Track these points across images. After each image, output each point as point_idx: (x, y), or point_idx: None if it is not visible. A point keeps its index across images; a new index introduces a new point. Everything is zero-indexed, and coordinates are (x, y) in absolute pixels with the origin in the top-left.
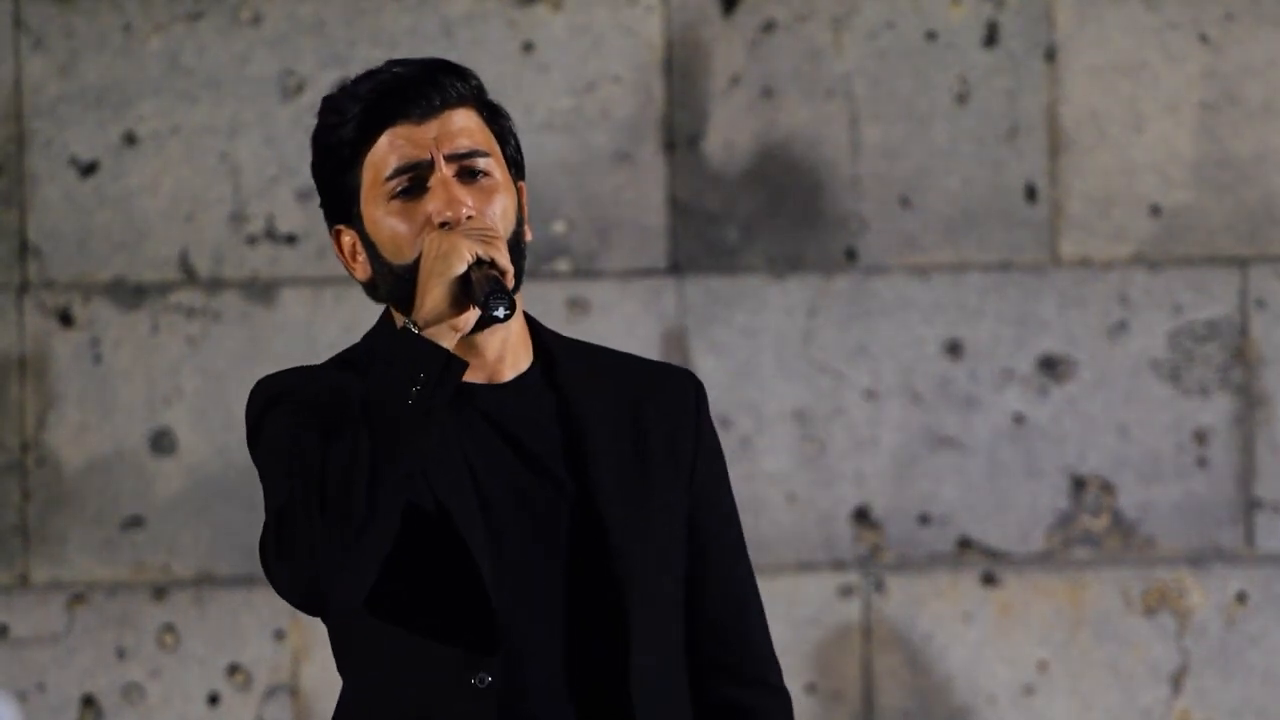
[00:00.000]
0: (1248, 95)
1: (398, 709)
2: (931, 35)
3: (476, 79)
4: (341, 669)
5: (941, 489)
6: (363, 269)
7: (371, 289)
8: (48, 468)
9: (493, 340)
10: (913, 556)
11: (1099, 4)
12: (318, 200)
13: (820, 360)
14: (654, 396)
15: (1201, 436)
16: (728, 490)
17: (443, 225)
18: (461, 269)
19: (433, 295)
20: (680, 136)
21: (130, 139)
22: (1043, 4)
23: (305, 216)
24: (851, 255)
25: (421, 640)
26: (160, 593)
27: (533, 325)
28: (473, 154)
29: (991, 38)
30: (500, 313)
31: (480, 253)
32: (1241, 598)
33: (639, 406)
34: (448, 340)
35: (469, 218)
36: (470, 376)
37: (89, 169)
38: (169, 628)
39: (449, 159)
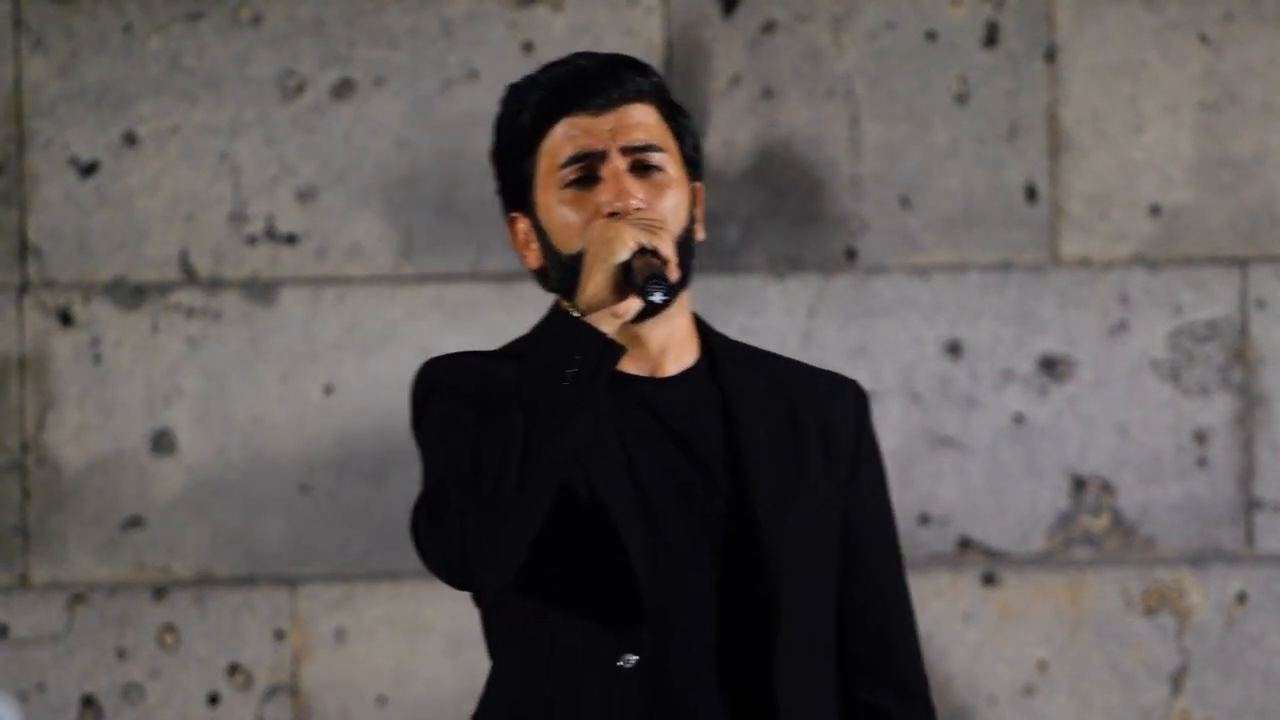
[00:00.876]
0: (1248, 95)
1: (544, 689)
2: (931, 35)
3: (659, 76)
4: (491, 649)
5: (941, 489)
6: (534, 257)
7: (542, 278)
8: (48, 468)
9: (656, 333)
10: (913, 556)
11: (1099, 4)
12: (318, 200)
13: (820, 360)
14: (816, 401)
15: (1201, 436)
16: (885, 499)
17: (611, 216)
18: (625, 256)
19: (595, 280)
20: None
21: (130, 139)
22: (1043, 4)
23: (305, 216)
24: (851, 255)
25: (569, 621)
26: (160, 593)
27: (700, 324)
28: (647, 148)
29: (991, 38)
30: (657, 298)
31: (644, 241)
32: (1241, 598)
33: (800, 409)
34: (608, 326)
35: (637, 210)
36: (633, 368)
37: (89, 169)
38: (169, 628)
39: (623, 151)
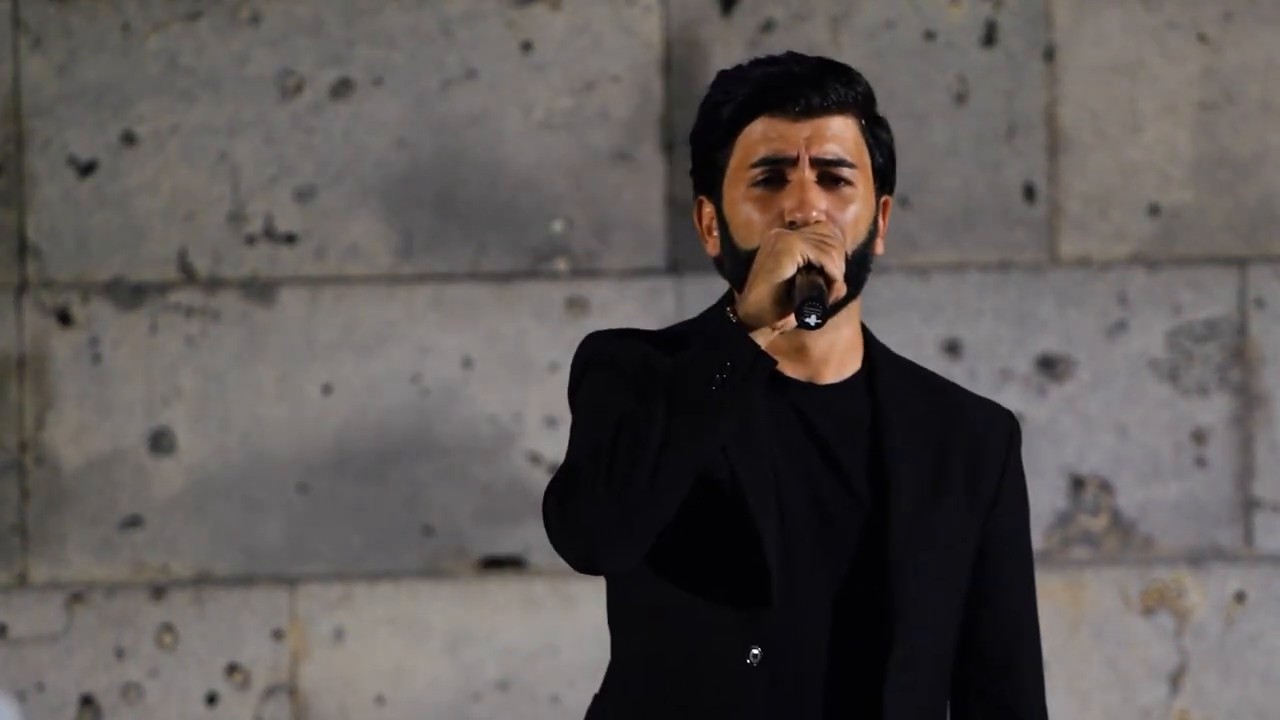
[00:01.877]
0: (1246, 95)
1: (668, 676)
2: (930, 35)
3: (865, 86)
4: (614, 631)
5: None
6: (714, 244)
7: (720, 265)
8: (47, 467)
9: (820, 341)
10: None
11: (1097, 4)
12: (316, 200)
13: None
14: (968, 427)
15: (1200, 436)
16: (1025, 534)
17: (790, 224)
18: (790, 272)
19: (758, 291)
20: (679, 136)
21: (129, 138)
22: (1041, 4)
23: (304, 216)
24: None
25: (697, 609)
26: (159, 592)
27: (867, 335)
28: (839, 162)
29: (990, 37)
30: (811, 320)
31: (812, 257)
32: (1240, 597)
33: (951, 433)
34: (764, 337)
35: (817, 222)
36: (792, 372)
37: (88, 169)
38: (167, 627)
39: (814, 162)
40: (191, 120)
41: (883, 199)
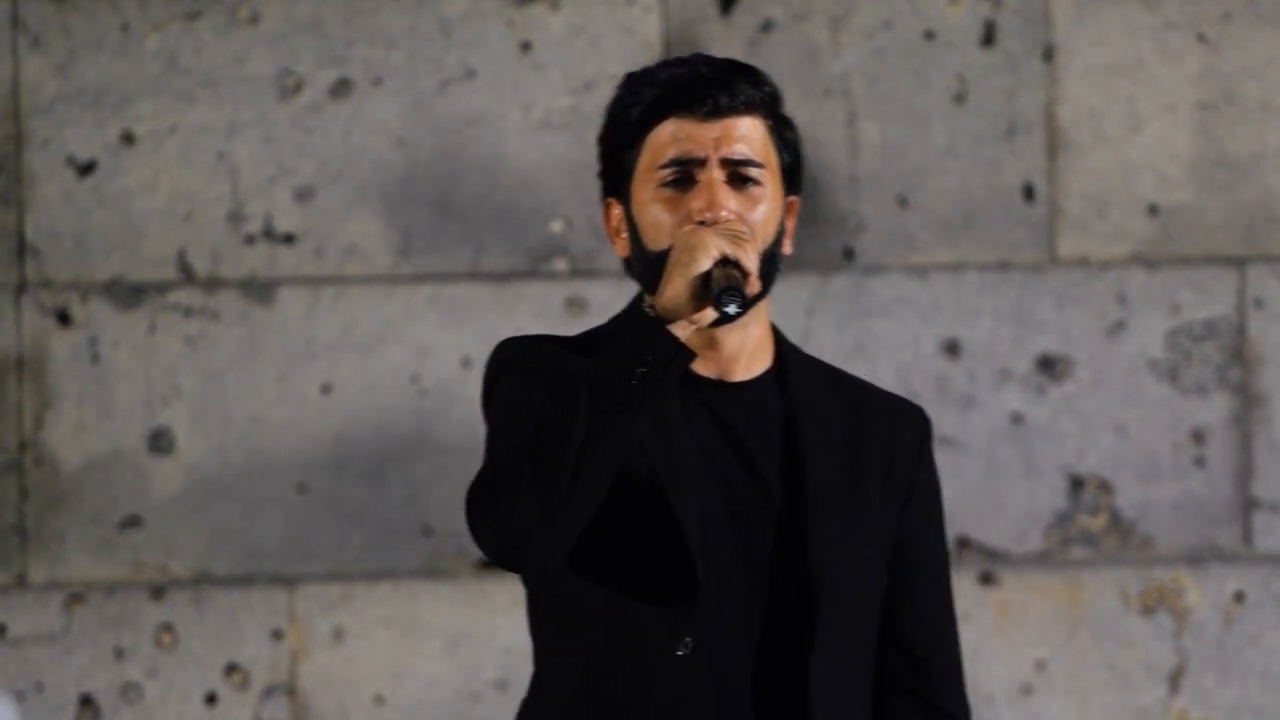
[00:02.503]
0: (1246, 95)
1: (598, 674)
2: (929, 35)
3: (772, 87)
4: (537, 636)
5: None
6: (622, 246)
7: (629, 267)
8: (45, 467)
9: (731, 338)
10: None
11: (1097, 3)
12: (316, 200)
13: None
14: (880, 424)
15: (1199, 436)
16: (939, 528)
17: (700, 224)
18: (706, 265)
19: (674, 285)
20: None
21: (128, 138)
22: (1040, 3)
23: (303, 216)
24: (849, 254)
25: (624, 607)
26: (158, 592)
27: (777, 334)
28: (747, 162)
29: (989, 37)
30: (731, 310)
31: (728, 251)
32: (1239, 597)
33: (863, 430)
34: (681, 331)
35: (727, 221)
36: (704, 370)
37: (87, 168)
38: (167, 627)
39: (722, 162)
40: (191, 120)
41: (790, 199)
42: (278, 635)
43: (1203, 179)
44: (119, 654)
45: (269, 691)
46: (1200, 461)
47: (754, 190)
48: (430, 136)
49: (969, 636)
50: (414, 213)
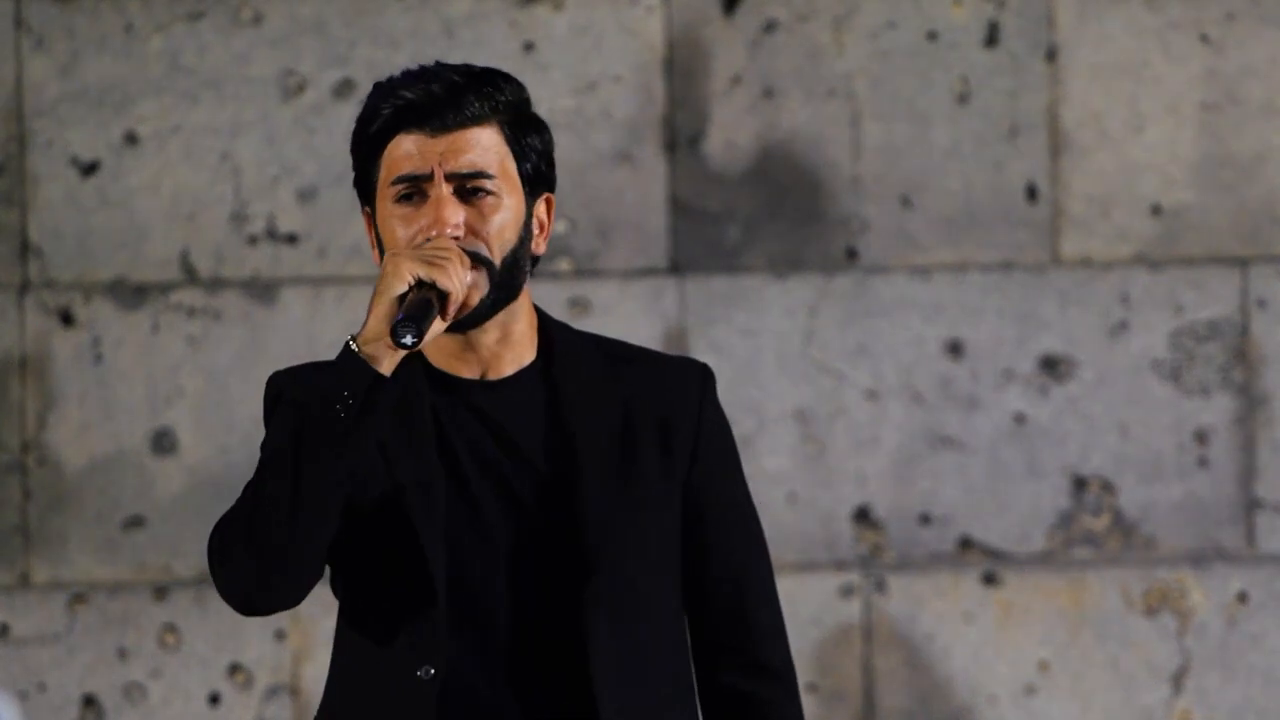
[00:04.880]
0: (1248, 95)
1: (355, 694)
2: (932, 35)
3: (510, 94)
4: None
5: (942, 489)
6: (375, 256)
7: None
8: (49, 467)
9: (486, 338)
10: (914, 556)
11: (1100, 4)
12: (318, 200)
13: (821, 360)
14: (652, 387)
15: (1202, 436)
16: (735, 477)
17: (426, 241)
18: (400, 290)
19: (375, 314)
20: (681, 136)
21: (131, 139)
22: (1044, 4)
23: (306, 216)
24: (852, 255)
25: (374, 631)
26: (161, 592)
27: (545, 322)
28: (475, 174)
29: (992, 38)
30: (407, 340)
31: (422, 274)
32: (1242, 597)
33: (635, 398)
34: (386, 359)
35: (455, 238)
36: (463, 372)
37: (90, 169)
38: (170, 627)
39: (449, 177)
40: (193, 120)
41: (543, 197)
42: (280, 636)
43: (1206, 179)
44: (122, 654)
45: (272, 692)
46: (1203, 462)
47: (486, 201)
48: None
49: (972, 637)
50: None
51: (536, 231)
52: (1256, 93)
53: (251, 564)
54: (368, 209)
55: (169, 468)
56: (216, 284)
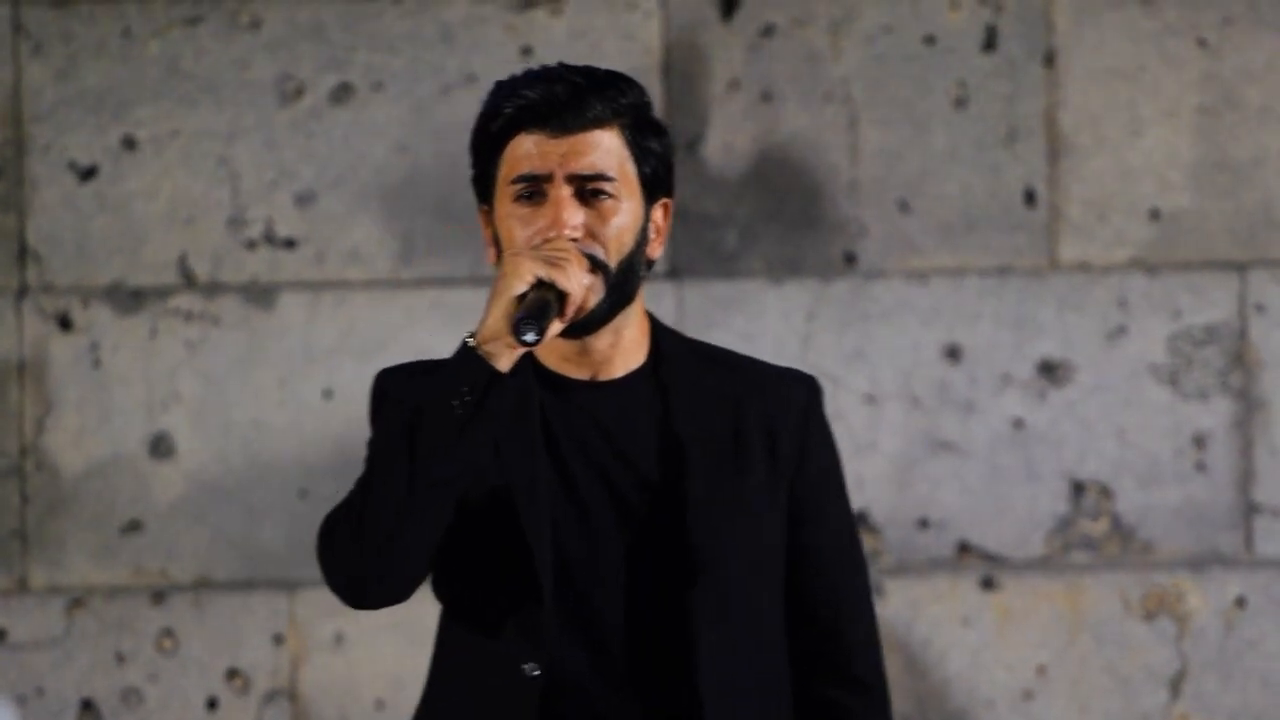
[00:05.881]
0: (1246, 99)
1: (460, 690)
2: (930, 39)
3: (632, 97)
4: (435, 642)
5: (940, 493)
6: (493, 255)
7: None
8: (46, 472)
9: (599, 342)
10: (911, 561)
11: (1098, 8)
12: (316, 205)
13: (819, 364)
14: (761, 398)
15: (1200, 441)
16: (838, 495)
17: (545, 242)
18: (520, 289)
19: (493, 313)
20: (679, 140)
21: (129, 143)
22: (1041, 8)
23: (304, 221)
24: (850, 259)
25: (480, 626)
26: (159, 597)
27: (655, 327)
28: (595, 177)
29: (990, 42)
30: (528, 338)
31: (542, 274)
32: (1240, 602)
33: (742, 407)
34: (504, 357)
35: (574, 240)
36: (574, 373)
37: (88, 173)
38: (167, 632)
39: (569, 179)
40: (192, 125)
41: (660, 203)
42: (278, 640)
43: (1203, 184)
44: (120, 659)
45: (270, 696)
46: (1201, 466)
47: (605, 204)
48: (431, 142)
49: (970, 641)
50: (415, 218)
51: (652, 236)
52: (1254, 97)
53: (363, 557)
54: (484, 207)
55: (167, 472)
56: (214, 288)
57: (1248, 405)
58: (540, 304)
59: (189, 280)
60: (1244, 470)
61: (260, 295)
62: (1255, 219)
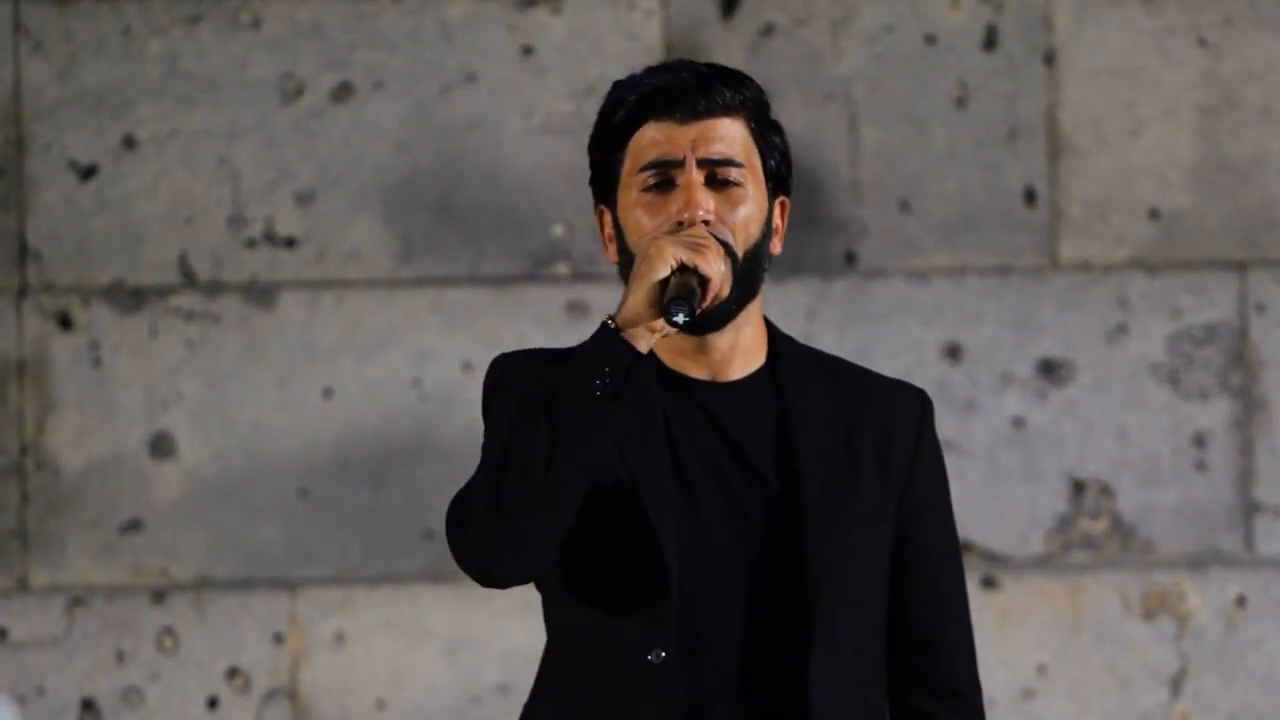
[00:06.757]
0: (1246, 99)
1: (580, 676)
2: (930, 39)
3: (755, 91)
4: (546, 630)
5: None
6: (613, 252)
7: (622, 272)
8: (47, 471)
9: (720, 340)
10: None
11: (1098, 7)
12: (317, 203)
13: None
14: (876, 409)
15: (1200, 440)
16: (944, 509)
17: (679, 225)
18: (664, 273)
19: (634, 296)
20: None
21: (129, 142)
22: (1042, 7)
23: (304, 220)
24: (851, 259)
25: (603, 613)
26: (159, 596)
27: (771, 330)
28: (726, 162)
29: (990, 41)
30: (679, 318)
31: (685, 259)
32: (1241, 601)
33: (858, 417)
34: (644, 340)
35: (705, 222)
36: (693, 372)
37: (88, 172)
38: (168, 631)
39: (700, 163)
40: (192, 124)
41: (779, 200)
42: (279, 639)
43: (1203, 183)
44: (120, 658)
45: (270, 695)
46: (1201, 466)
47: (734, 191)
48: (431, 140)
49: None
50: (415, 217)
51: (773, 231)
52: (1254, 96)
53: (497, 536)
54: (601, 206)
55: (167, 471)
56: (215, 287)
57: (1248, 405)
58: (685, 288)
59: (189, 279)
60: (1244, 470)
61: (260, 294)
62: (1255, 219)
